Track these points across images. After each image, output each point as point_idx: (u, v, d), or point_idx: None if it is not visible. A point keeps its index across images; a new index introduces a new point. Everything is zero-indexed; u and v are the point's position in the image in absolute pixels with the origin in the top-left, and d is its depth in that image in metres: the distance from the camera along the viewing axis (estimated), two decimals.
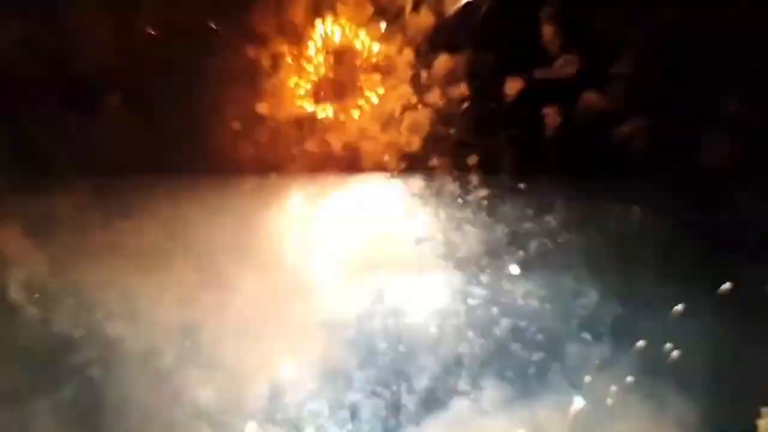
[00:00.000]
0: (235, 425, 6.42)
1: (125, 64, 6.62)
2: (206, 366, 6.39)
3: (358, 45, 6.85)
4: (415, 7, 6.61)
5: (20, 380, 6.18)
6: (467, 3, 6.57)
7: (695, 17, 6.19)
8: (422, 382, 6.66)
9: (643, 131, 6.31)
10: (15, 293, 6.32)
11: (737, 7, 6.18)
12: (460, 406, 6.55)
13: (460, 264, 6.79)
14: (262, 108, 6.82)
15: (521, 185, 6.65)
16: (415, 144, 6.77)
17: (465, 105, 6.67)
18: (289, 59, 6.83)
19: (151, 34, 6.66)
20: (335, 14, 6.78)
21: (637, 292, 6.39)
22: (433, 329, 6.72)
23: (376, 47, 6.83)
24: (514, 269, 6.72)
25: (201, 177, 6.43)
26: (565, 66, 6.35)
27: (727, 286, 6.19)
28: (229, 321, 6.43)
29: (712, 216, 6.24)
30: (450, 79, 6.65)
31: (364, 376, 6.66)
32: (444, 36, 6.63)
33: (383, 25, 6.76)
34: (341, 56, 6.87)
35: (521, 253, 6.71)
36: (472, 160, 6.71)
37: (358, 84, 6.88)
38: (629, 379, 6.34)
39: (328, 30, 6.82)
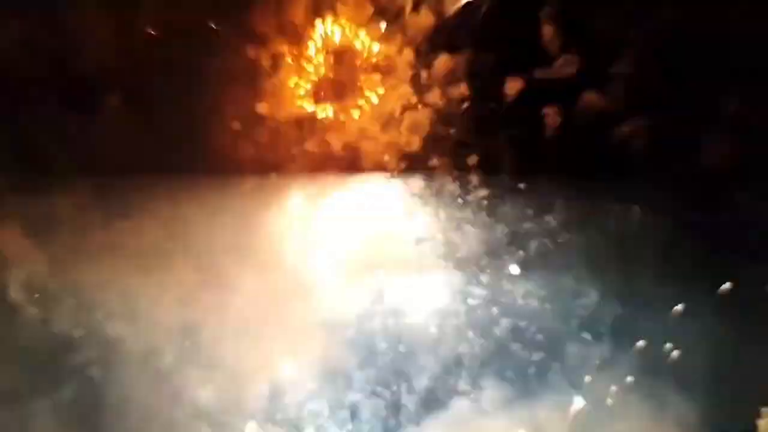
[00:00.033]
0: (235, 425, 6.40)
1: (125, 64, 6.61)
2: (206, 366, 6.37)
3: (358, 45, 6.83)
4: (415, 7, 6.60)
5: (20, 380, 6.16)
6: (467, 3, 6.57)
7: (695, 17, 6.17)
8: (422, 382, 6.65)
9: (643, 131, 6.29)
10: (15, 293, 6.30)
11: (737, 7, 6.16)
12: (460, 406, 6.54)
13: (460, 264, 6.78)
14: (262, 108, 6.81)
15: (521, 185, 6.64)
16: (415, 144, 6.76)
17: (465, 105, 6.66)
18: (289, 59, 6.82)
19: (151, 34, 6.65)
20: (335, 14, 6.77)
21: (637, 292, 6.38)
22: (433, 329, 6.70)
23: (376, 47, 6.82)
24: (514, 269, 6.71)
25: (201, 177, 6.42)
26: (565, 66, 6.34)
27: (727, 286, 6.17)
28: (229, 321, 6.41)
29: (712, 216, 6.22)
30: (450, 79, 6.64)
31: (364, 376, 6.65)
32: (444, 36, 6.62)
33: (383, 25, 6.75)
34: (341, 56, 6.86)
35: (521, 253, 6.70)
36: (472, 160, 6.70)
37: (358, 84, 6.86)
38: (629, 379, 6.33)
39: (328, 30, 6.81)
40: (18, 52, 6.44)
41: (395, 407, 6.62)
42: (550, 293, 6.60)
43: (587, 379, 6.45)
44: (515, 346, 6.60)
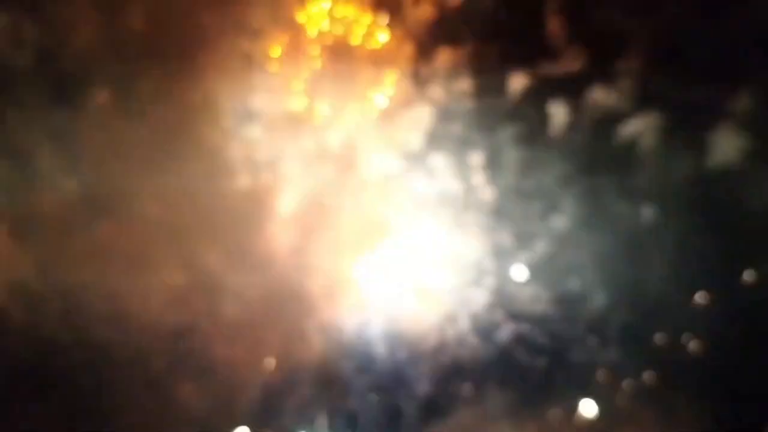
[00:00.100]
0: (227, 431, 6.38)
1: (114, 57, 6.48)
2: (197, 370, 6.34)
3: (355, 38, 6.72)
4: None
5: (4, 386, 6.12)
6: None
7: (705, 11, 6.12)
8: (423, 388, 6.56)
9: (653, 127, 6.22)
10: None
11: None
12: (462, 411, 6.49)
13: (463, 265, 6.64)
14: (255, 103, 6.63)
15: (526, 184, 6.50)
16: (415, 141, 6.60)
17: (468, 100, 6.50)
18: (284, 53, 6.69)
19: (141, 26, 6.51)
20: (332, 5, 6.69)
21: (647, 293, 6.27)
22: (435, 333, 6.58)
23: (375, 40, 6.70)
24: (520, 270, 6.58)
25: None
26: (572, 60, 6.22)
27: (746, 278, 6.18)
28: (222, 323, 6.36)
29: (724, 214, 6.16)
30: (452, 73, 6.50)
31: (361, 381, 6.57)
32: (446, 28, 6.50)
33: (383, 16, 6.66)
34: (339, 49, 6.73)
35: (527, 253, 6.56)
36: (475, 157, 6.56)
37: (356, 78, 6.71)
38: (640, 382, 6.32)
39: (325, 22, 6.70)
40: (2, 43, 6.34)
41: (394, 413, 6.55)
42: (558, 294, 6.48)
43: (596, 383, 6.42)
44: (521, 350, 6.51)
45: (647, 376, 6.33)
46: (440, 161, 6.58)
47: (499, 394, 6.48)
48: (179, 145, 6.40)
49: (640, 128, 6.24)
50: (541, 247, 6.50)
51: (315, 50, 6.75)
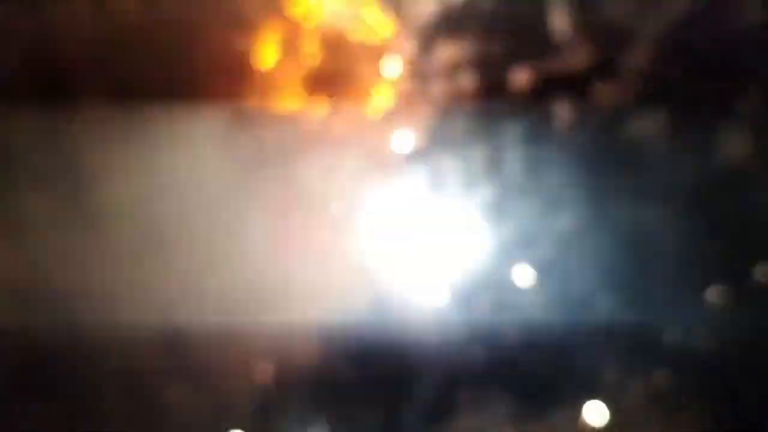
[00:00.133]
0: None
1: (106, 54, 6.34)
2: (190, 373, 6.21)
3: (355, 33, 6.64)
4: None
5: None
6: None
7: (712, 7, 6.04)
8: (424, 392, 6.44)
9: (660, 125, 6.15)
10: None
11: None
12: (466, 415, 6.39)
13: (464, 265, 6.55)
14: (251, 101, 6.56)
15: (530, 182, 6.43)
16: (416, 139, 6.56)
17: (470, 97, 6.45)
18: (280, 48, 6.61)
19: (133, 21, 6.38)
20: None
21: (655, 293, 6.21)
22: (435, 334, 6.48)
23: (374, 35, 6.63)
24: (524, 270, 6.51)
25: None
26: (577, 56, 6.17)
27: (756, 277, 6.07)
28: (215, 324, 6.18)
29: (732, 213, 6.11)
30: (454, 69, 6.44)
31: (358, 383, 6.40)
32: (448, 23, 6.45)
33: (382, 10, 6.59)
34: (337, 45, 6.65)
35: (531, 252, 6.49)
36: (478, 154, 6.53)
37: (355, 74, 6.65)
38: (649, 384, 6.23)
39: (322, 17, 6.63)
40: None
41: (394, 416, 6.39)
42: (563, 295, 6.38)
43: (604, 386, 6.29)
44: (525, 353, 6.37)
45: (655, 378, 6.25)
46: (441, 160, 6.53)
47: (503, 398, 6.39)
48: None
49: (647, 126, 6.17)
50: (545, 248, 6.43)
51: (312, 46, 6.68)
